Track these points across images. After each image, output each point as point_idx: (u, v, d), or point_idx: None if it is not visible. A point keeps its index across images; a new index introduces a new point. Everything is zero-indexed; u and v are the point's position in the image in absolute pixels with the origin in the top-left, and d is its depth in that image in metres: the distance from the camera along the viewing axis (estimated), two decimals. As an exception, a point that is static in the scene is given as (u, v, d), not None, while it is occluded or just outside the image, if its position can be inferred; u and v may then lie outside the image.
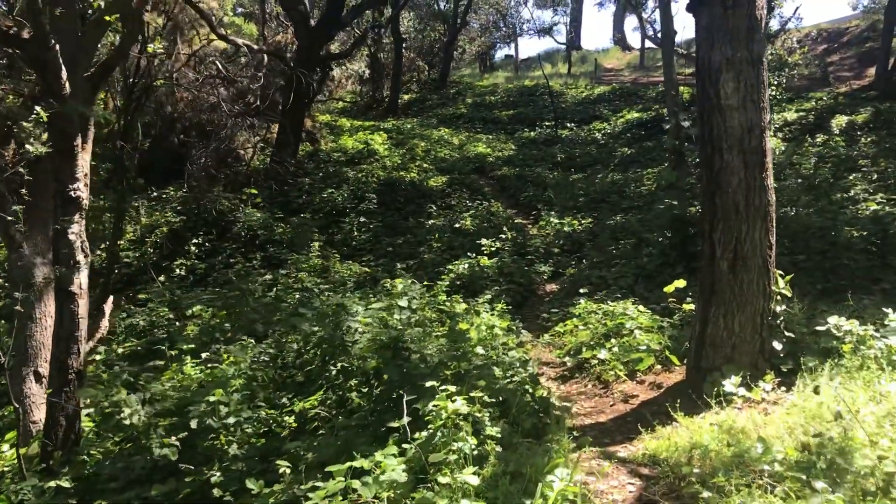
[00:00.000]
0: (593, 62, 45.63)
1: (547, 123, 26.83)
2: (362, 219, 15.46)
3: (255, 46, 17.04)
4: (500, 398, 5.17)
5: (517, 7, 47.77)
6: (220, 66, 21.41)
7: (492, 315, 9.12)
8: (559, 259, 12.95)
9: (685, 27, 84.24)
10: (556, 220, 15.37)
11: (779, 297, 6.34)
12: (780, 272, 6.42)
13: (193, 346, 8.91)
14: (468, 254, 12.39)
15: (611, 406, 6.57)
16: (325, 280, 12.52)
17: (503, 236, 13.20)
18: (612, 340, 7.54)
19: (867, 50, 28.37)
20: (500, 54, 55.25)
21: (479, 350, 7.49)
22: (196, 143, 18.30)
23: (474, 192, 18.00)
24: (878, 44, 24.92)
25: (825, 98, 22.24)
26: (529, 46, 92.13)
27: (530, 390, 5.61)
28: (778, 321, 6.31)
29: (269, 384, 6.23)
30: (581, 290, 9.93)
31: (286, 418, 5.91)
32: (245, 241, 14.59)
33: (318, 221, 15.85)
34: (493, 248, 12.68)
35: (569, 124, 26.56)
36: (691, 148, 15.67)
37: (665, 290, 7.26)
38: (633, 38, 51.61)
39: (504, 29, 45.58)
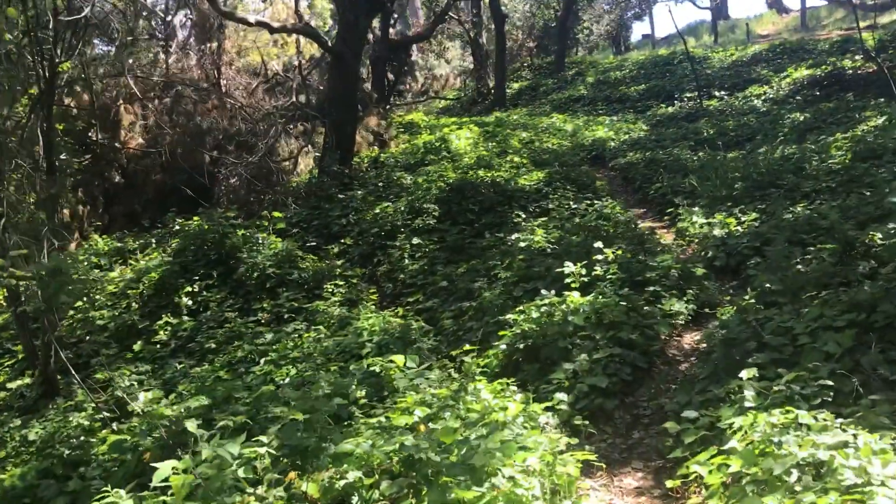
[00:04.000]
0: (744, 29, 39.25)
1: (688, 95, 21.40)
2: (416, 240, 10.94)
3: (275, 24, 13.00)
4: None
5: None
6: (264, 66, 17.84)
7: (552, 444, 4.38)
8: (705, 287, 7.84)
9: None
10: (702, 220, 10.22)
11: None
12: None
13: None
14: (542, 291, 7.49)
15: None
16: (338, 343, 8.12)
17: (603, 256, 8.15)
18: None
19: None
20: (635, 35, 49.45)
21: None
22: (229, 159, 14.55)
23: (583, 188, 13.04)
24: None
25: None
26: (668, 24, 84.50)
27: None
28: None
29: None
30: (743, 371, 4.82)
31: None
32: (254, 284, 10.45)
33: (361, 248, 11.49)
34: (583, 278, 7.73)
35: (717, 93, 21.06)
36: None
37: None
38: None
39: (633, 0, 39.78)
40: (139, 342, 9.82)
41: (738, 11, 67.78)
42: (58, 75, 8.28)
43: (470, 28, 25.88)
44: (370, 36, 20.61)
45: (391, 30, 23.12)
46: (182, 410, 6.90)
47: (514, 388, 5.65)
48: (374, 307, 9.65)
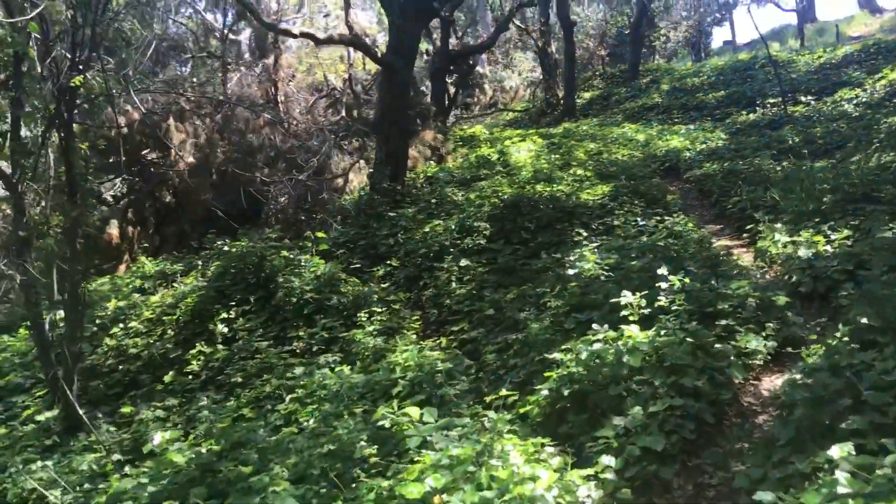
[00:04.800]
0: (833, 32, 37.12)
1: (771, 101, 19.93)
2: (464, 262, 10.08)
3: (321, 35, 12.39)
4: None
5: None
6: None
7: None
8: (787, 320, 6.72)
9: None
10: (785, 238, 9.04)
11: None
12: None
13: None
14: (594, 326, 6.50)
15: None
16: (367, 380, 7.34)
17: (668, 284, 7.10)
18: None
19: None
20: (716, 41, 47.48)
21: None
22: (281, 176, 14.04)
23: (652, 202, 11.96)
24: None
25: None
26: (751, 29, 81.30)
27: None
28: None
29: None
30: (834, 448, 3.76)
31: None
32: (292, 310, 9.78)
33: (407, 270, 10.72)
34: (644, 310, 6.71)
35: (803, 98, 19.51)
36: None
37: None
38: (886, -1, 42.30)
39: (713, 4, 38.06)
40: (171, 373, 9.27)
41: (826, 13, 64.20)
42: (76, 90, 7.76)
43: (538, 37, 24.94)
44: (430, 47, 19.96)
45: (455, 41, 22.44)
46: (192, 455, 6.28)
47: (552, 449, 4.73)
48: (415, 336, 8.86)
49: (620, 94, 26.02)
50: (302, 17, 27.69)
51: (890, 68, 19.59)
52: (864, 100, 17.70)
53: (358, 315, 9.19)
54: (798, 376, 5.32)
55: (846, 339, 5.50)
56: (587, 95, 27.37)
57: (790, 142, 14.81)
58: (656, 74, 27.92)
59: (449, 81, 20.35)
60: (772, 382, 5.91)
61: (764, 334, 6.37)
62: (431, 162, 15.72)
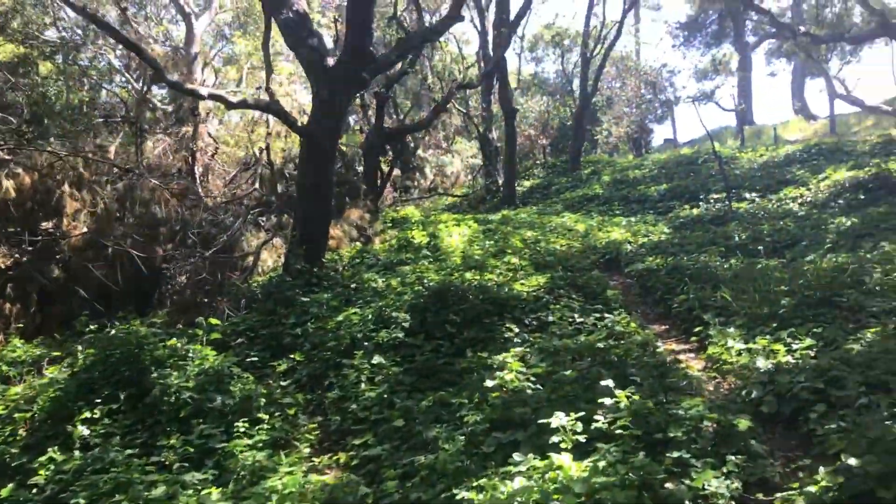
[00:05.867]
0: (771, 136, 37.88)
1: (715, 196, 19.42)
2: (377, 359, 8.71)
3: (233, 99, 11.19)
4: None
5: (670, 79, 40.98)
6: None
7: None
8: (752, 450, 5.50)
9: None
10: (740, 345, 7.96)
11: None
12: None
13: None
14: (515, 456, 5.17)
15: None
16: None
17: (612, 401, 5.83)
18: None
19: None
20: (657, 139, 48.05)
21: None
22: (183, 253, 12.57)
23: (591, 297, 10.86)
24: None
25: None
26: (691, 128, 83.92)
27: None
28: None
29: None
30: None
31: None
32: (167, 412, 8.20)
33: (313, 367, 9.28)
34: (578, 436, 5.42)
35: (747, 194, 19.03)
36: None
37: None
38: (819, 105, 43.40)
39: (655, 101, 38.47)
40: (10, 485, 7.55)
41: (763, 117, 66.19)
42: None
43: (479, 123, 24.33)
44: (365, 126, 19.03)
45: (394, 121, 21.59)
46: None
47: None
48: (308, 450, 7.38)
49: (561, 184, 25.42)
50: (241, 92, 26.69)
51: (833, 169, 19.32)
52: (809, 199, 17.25)
53: (250, 419, 7.69)
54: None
55: (831, 485, 4.29)
56: (528, 184, 26.75)
57: (737, 238, 14.04)
58: (597, 166, 27.53)
59: (383, 160, 19.36)
60: (737, 537, 4.64)
61: (725, 470, 5.12)
62: (357, 243, 14.47)
